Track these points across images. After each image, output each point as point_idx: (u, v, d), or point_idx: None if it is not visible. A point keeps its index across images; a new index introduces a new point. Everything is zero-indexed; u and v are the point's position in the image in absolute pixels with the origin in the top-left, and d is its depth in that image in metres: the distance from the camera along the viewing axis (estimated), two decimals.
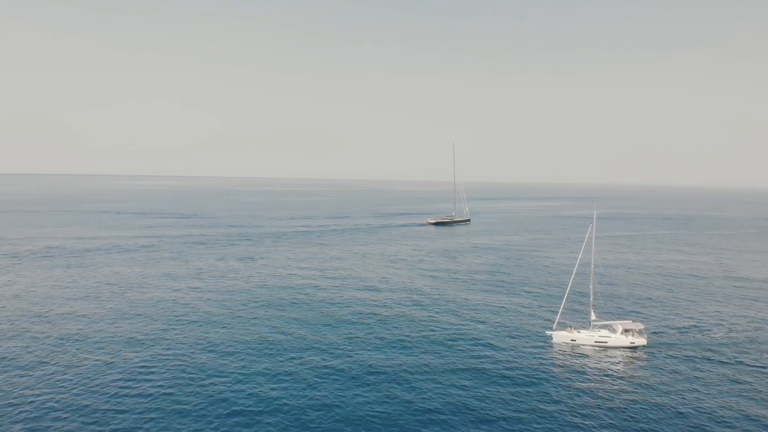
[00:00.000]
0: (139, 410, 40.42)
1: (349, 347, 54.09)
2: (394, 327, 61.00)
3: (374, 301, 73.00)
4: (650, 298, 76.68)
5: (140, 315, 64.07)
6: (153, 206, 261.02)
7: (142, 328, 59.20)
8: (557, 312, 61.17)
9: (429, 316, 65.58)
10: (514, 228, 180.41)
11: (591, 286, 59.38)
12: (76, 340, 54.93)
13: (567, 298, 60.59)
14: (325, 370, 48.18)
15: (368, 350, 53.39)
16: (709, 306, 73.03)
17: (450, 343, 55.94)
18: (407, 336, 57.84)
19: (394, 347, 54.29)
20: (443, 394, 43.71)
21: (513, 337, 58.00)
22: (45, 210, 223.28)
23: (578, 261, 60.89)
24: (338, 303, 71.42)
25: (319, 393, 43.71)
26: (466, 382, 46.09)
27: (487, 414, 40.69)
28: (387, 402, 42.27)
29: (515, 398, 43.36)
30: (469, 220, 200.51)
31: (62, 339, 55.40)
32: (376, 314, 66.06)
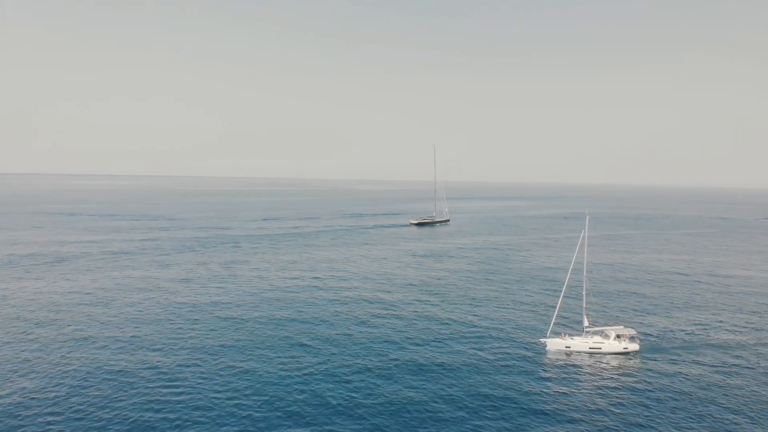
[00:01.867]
0: (180, 420, 36.86)
1: (346, 348, 49.66)
2: (388, 330, 56.45)
3: (369, 306, 68.23)
4: (639, 302, 72.86)
5: (155, 321, 59.23)
6: (130, 208, 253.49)
7: (162, 334, 54.78)
8: (551, 319, 56.99)
9: (421, 322, 61.02)
10: (491, 228, 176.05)
11: (584, 292, 55.04)
12: (83, 347, 50.13)
13: (560, 303, 56.07)
14: (355, 371, 45.25)
15: (358, 352, 48.75)
16: (697, 308, 69.51)
17: (444, 349, 51.58)
18: (394, 338, 53.64)
19: (387, 347, 49.93)
20: (437, 401, 40.21)
21: (507, 345, 53.65)
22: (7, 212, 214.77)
23: (571, 266, 56.40)
24: (339, 304, 67.81)
25: (346, 391, 40.30)
26: (462, 389, 42.46)
27: (487, 418, 38.04)
28: (377, 399, 37.79)
29: (513, 404, 40.30)
30: (448, 220, 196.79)
31: (71, 344, 51.10)
32: (363, 317, 61.30)
